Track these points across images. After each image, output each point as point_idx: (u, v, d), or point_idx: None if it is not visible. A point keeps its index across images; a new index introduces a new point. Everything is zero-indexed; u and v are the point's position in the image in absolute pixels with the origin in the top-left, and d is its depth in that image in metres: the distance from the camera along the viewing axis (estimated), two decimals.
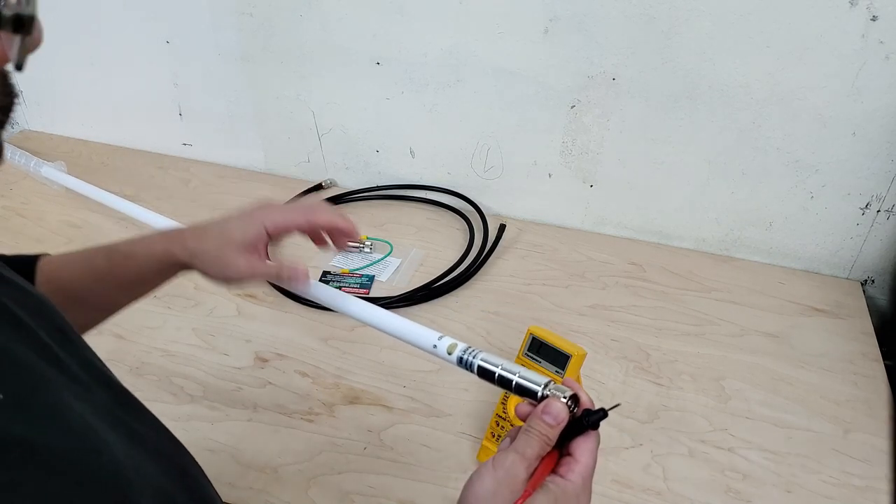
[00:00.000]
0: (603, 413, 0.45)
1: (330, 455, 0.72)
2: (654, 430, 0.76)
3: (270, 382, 0.81)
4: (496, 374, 0.50)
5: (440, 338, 0.54)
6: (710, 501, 0.68)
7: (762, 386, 0.82)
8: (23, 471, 0.28)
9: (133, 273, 0.56)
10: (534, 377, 0.48)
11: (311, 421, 0.76)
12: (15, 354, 0.32)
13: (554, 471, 0.44)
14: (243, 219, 0.56)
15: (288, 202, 0.59)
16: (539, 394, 0.47)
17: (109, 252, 0.56)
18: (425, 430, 0.75)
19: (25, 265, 0.56)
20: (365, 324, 0.60)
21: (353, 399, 0.79)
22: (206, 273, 0.56)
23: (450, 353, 0.53)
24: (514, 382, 0.48)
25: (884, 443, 0.75)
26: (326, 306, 0.62)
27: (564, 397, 0.45)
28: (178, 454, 0.43)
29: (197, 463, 0.44)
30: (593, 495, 0.68)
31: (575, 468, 0.43)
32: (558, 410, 0.44)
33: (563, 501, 0.42)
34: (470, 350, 0.52)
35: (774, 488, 0.70)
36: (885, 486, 0.70)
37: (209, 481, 0.45)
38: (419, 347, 0.56)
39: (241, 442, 0.74)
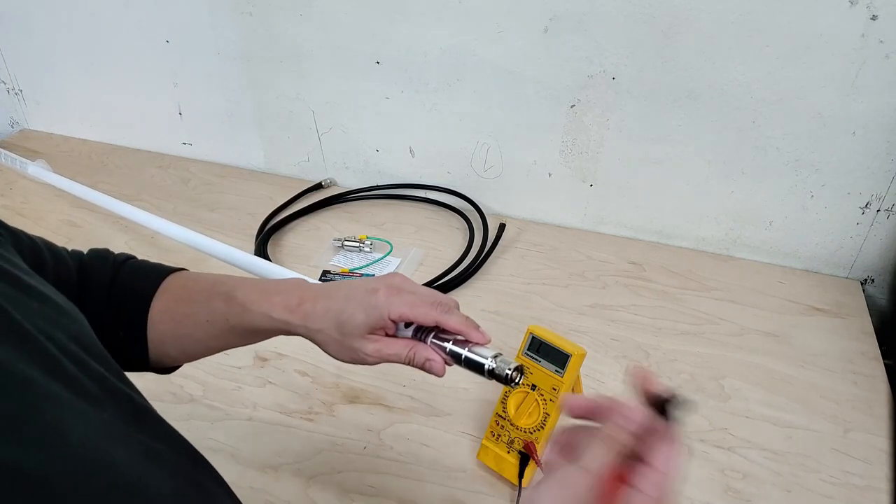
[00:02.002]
0: (679, 399, 0.37)
1: (330, 455, 0.72)
2: None
3: (270, 382, 0.81)
4: (447, 349, 0.51)
5: None
6: (710, 501, 0.68)
7: (762, 385, 0.82)
8: (11, 498, 0.26)
9: (245, 326, 0.54)
10: (482, 350, 0.50)
11: (310, 420, 0.76)
12: (14, 371, 0.31)
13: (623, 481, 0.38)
14: (367, 304, 0.52)
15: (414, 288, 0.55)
16: (486, 366, 0.49)
17: (228, 296, 0.54)
18: (425, 430, 0.75)
19: (158, 276, 0.56)
20: None
21: (353, 398, 0.79)
22: (327, 352, 0.54)
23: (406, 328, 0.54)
24: (463, 356, 0.50)
25: (884, 442, 0.75)
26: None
27: (509, 369, 0.47)
28: (197, 469, 0.41)
29: (218, 475, 0.43)
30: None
31: (651, 477, 0.36)
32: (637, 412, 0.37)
33: None
34: (424, 329, 0.53)
35: (774, 488, 0.70)
36: (885, 486, 0.70)
37: (230, 491, 0.44)
38: None
39: (241, 441, 0.74)
